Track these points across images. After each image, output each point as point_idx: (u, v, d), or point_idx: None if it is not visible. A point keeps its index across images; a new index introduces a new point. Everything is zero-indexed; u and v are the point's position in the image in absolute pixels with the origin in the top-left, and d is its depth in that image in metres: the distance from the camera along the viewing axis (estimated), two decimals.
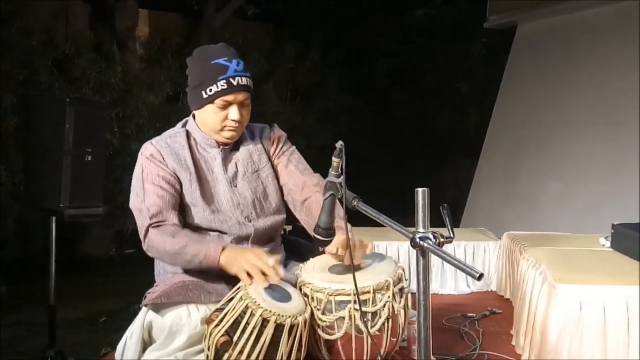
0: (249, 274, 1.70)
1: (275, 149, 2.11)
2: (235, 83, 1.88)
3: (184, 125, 2.06)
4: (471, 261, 4.05)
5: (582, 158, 6.37)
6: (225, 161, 2.02)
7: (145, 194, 1.90)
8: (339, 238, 1.74)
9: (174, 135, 2.02)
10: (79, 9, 7.27)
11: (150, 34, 8.34)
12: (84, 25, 7.23)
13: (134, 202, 1.93)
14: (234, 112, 1.91)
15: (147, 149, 1.97)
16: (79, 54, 6.54)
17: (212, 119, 1.93)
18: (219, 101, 1.89)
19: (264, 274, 1.70)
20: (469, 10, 8.89)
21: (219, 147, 2.01)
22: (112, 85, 6.62)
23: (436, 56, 9.81)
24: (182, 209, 1.95)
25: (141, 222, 1.89)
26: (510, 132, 7.29)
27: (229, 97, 1.89)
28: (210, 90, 1.88)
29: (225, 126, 1.94)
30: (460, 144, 9.53)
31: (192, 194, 1.95)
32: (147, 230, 1.86)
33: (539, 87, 7.05)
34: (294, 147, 2.16)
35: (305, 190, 2.01)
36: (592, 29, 6.62)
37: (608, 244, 3.25)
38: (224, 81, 1.87)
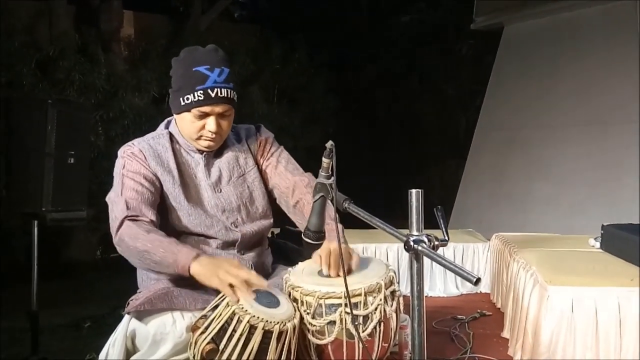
0: (232, 287, 1.60)
1: (263, 151, 2.04)
2: (213, 95, 1.81)
3: (167, 126, 2.00)
4: (460, 263, 4.03)
5: (568, 158, 6.40)
6: (209, 166, 1.96)
7: (124, 188, 1.83)
8: (325, 245, 1.69)
9: (156, 137, 1.96)
10: (62, 10, 7.18)
11: (136, 36, 8.27)
12: (68, 27, 7.13)
13: (111, 195, 1.87)
14: (211, 123, 1.85)
15: (130, 149, 1.91)
16: (63, 55, 6.47)
17: (189, 127, 1.88)
18: (195, 111, 1.83)
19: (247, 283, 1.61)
20: (456, 11, 8.91)
21: (202, 152, 1.95)
22: (97, 87, 6.55)
23: (423, 58, 9.83)
24: (165, 211, 1.89)
25: (116, 213, 1.80)
26: (498, 132, 7.30)
27: (206, 109, 1.83)
28: (187, 99, 1.82)
29: (202, 135, 1.88)
30: (448, 145, 9.55)
31: (176, 197, 1.89)
32: (121, 223, 1.77)
33: (525, 88, 7.07)
34: (281, 147, 2.09)
35: (297, 192, 1.95)
36: (578, 30, 6.65)
37: (598, 244, 3.24)
38: (202, 91, 1.80)
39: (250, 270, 1.68)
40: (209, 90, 1.81)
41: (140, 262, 1.79)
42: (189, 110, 1.84)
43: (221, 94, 1.82)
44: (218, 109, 1.84)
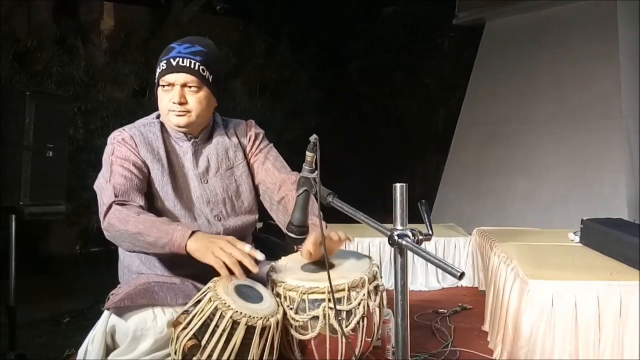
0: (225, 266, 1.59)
1: (252, 146, 2.03)
2: (174, 63, 1.82)
3: (158, 116, 1.98)
4: (442, 257, 4.05)
5: (548, 153, 6.46)
6: (197, 155, 1.94)
7: (112, 175, 1.81)
8: (313, 235, 1.69)
9: (147, 125, 1.94)
10: (41, 1, 7.05)
11: (116, 28, 8.14)
12: (46, 18, 7.00)
13: (99, 182, 1.85)
14: (174, 94, 1.84)
15: (120, 134, 1.89)
16: (42, 47, 6.35)
17: (160, 103, 1.89)
18: (162, 82, 1.85)
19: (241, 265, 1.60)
20: (438, 7, 8.93)
21: (190, 140, 1.93)
22: (76, 79, 6.44)
23: (405, 53, 9.84)
24: (151, 199, 1.87)
25: (104, 199, 1.78)
26: (479, 128, 7.35)
27: (169, 78, 1.83)
28: (156, 73, 1.86)
29: (171, 110, 1.86)
30: (430, 140, 9.58)
31: (163, 187, 1.87)
32: (109, 207, 1.74)
33: (506, 84, 7.12)
34: (271, 144, 2.08)
35: (283, 188, 1.95)
36: (559, 26, 6.71)
37: (577, 239, 3.28)
38: (165, 61, 1.83)
39: (244, 247, 1.63)
40: (171, 60, 1.83)
41: (131, 245, 1.75)
42: (159, 85, 1.86)
43: (183, 62, 1.82)
44: (181, 78, 1.83)
